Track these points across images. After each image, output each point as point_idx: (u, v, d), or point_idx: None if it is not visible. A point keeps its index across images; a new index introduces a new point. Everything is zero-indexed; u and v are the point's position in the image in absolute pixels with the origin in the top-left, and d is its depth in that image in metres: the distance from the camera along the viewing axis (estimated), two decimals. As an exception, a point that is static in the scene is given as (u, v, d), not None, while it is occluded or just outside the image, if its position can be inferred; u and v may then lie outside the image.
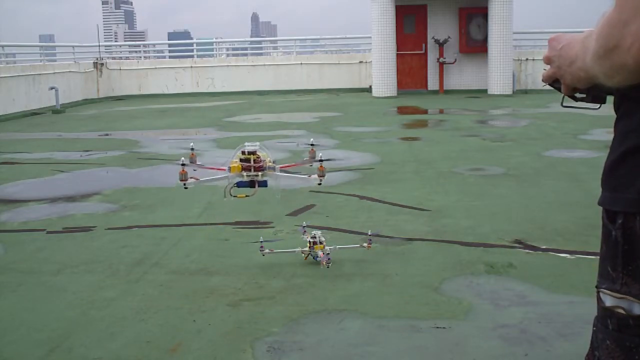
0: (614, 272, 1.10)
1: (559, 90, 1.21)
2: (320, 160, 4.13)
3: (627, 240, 1.06)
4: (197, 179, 4.08)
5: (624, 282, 1.08)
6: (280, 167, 4.12)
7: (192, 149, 4.14)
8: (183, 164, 4.00)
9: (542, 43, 18.14)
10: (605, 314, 1.14)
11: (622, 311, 1.09)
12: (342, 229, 4.94)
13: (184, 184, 4.04)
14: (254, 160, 3.93)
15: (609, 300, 1.12)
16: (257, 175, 3.92)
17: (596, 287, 1.17)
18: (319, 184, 4.18)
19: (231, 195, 3.99)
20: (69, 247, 4.76)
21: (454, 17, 17.96)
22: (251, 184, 3.97)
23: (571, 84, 1.16)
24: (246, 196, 4.03)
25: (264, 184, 3.97)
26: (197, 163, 4.12)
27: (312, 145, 4.17)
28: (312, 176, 4.16)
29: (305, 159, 4.28)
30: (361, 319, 3.32)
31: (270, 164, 3.98)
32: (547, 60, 1.20)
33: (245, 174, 3.86)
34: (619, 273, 1.09)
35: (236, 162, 3.90)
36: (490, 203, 5.65)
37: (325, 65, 20.04)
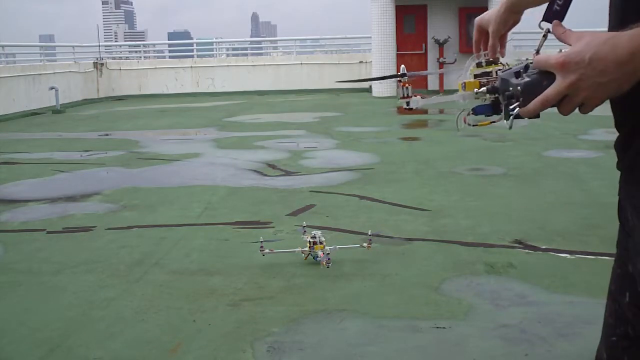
0: None
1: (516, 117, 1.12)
2: None
3: None
4: (422, 97, 3.10)
5: None
6: None
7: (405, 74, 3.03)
8: (403, 74, 2.88)
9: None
10: None
11: None
12: (342, 229, 4.94)
13: (407, 103, 3.01)
14: (497, 73, 2.82)
15: None
16: None
17: None
18: None
19: (469, 124, 3.00)
20: (69, 247, 4.76)
21: (454, 17, 17.96)
22: (495, 108, 2.86)
23: (603, 97, 1.02)
24: (491, 123, 3.13)
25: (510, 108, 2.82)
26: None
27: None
28: None
29: None
30: (361, 319, 3.32)
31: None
32: (572, 86, 1.01)
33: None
34: None
35: (471, 79, 2.90)
36: (490, 203, 5.65)
37: (326, 65, 20.05)
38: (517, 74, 1.11)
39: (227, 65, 20.60)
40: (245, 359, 2.95)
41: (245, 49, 27.37)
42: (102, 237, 4.98)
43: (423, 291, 3.67)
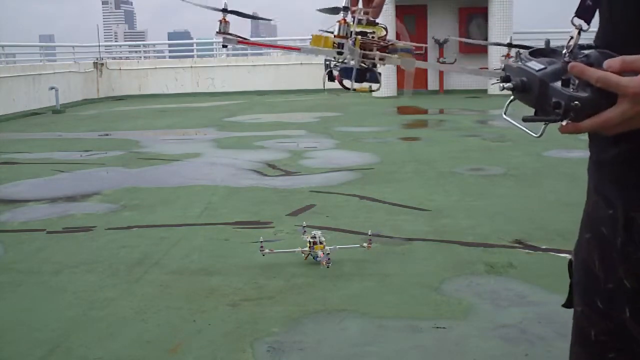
0: None
1: (547, 121, 1.04)
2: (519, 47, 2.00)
3: None
4: (298, 49, 2.72)
5: None
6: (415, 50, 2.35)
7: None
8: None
9: (542, 43, 18.04)
10: None
11: None
12: (342, 229, 4.94)
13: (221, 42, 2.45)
14: (372, 37, 2.21)
15: None
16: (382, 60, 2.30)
17: None
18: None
19: (348, 88, 2.41)
20: (69, 247, 4.76)
21: (454, 17, 17.97)
22: (361, 75, 2.33)
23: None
24: (371, 91, 2.55)
25: (374, 77, 2.37)
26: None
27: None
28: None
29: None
30: (361, 319, 3.32)
31: (402, 45, 2.25)
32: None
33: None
34: None
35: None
36: (490, 203, 5.65)
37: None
38: (564, 82, 0.99)
39: (227, 65, 20.61)
40: (245, 359, 2.95)
41: (246, 49, 27.34)
42: (102, 237, 4.98)
43: (423, 291, 3.67)
